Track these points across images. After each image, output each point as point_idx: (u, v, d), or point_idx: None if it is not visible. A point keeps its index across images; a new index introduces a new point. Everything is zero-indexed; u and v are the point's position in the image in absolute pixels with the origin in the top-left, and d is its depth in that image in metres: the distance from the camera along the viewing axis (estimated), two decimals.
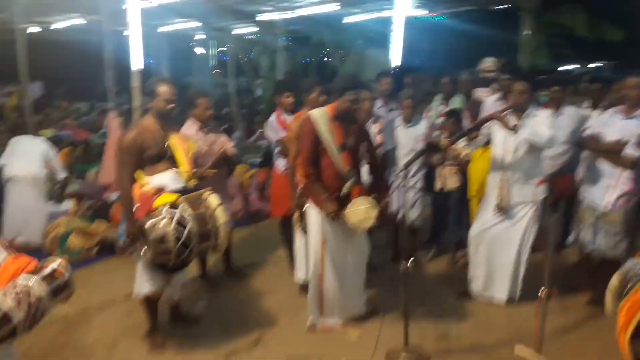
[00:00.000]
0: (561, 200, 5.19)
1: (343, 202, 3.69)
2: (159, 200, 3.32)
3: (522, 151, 3.99)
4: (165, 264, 3.36)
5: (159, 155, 3.53)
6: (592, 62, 27.39)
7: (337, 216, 3.66)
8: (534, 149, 3.96)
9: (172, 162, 3.62)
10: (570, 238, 4.43)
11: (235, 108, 13.64)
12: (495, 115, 3.92)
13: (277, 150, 4.85)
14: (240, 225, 6.44)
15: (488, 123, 4.03)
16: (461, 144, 4.62)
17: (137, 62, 6.15)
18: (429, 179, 5.18)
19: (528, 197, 4.05)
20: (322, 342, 3.81)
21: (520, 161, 4.02)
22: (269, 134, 5.03)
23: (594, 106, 5.03)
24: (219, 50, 17.70)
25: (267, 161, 7.21)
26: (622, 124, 3.94)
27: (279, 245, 5.51)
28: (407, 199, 4.95)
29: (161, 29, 13.66)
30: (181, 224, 3.20)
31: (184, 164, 3.67)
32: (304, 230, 4.04)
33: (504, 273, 4.22)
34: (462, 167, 4.99)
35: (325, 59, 17.81)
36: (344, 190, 3.70)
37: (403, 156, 4.94)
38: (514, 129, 3.89)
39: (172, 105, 3.58)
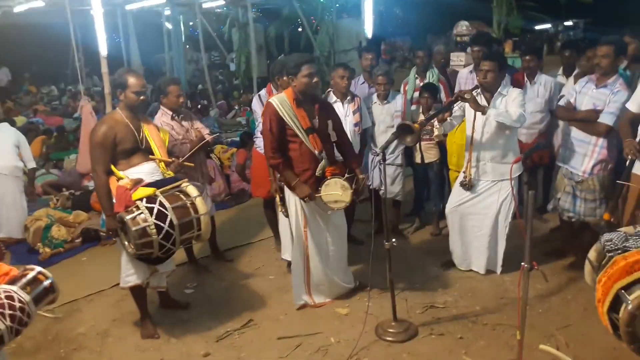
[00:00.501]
0: (540, 166, 5.33)
1: (317, 182, 3.72)
2: (137, 194, 3.29)
3: (492, 130, 4.01)
4: (148, 257, 3.36)
5: (133, 149, 3.49)
6: (565, 21, 27.67)
7: (312, 199, 3.69)
8: (505, 128, 3.97)
9: (147, 154, 3.58)
10: (550, 205, 4.52)
11: (209, 84, 13.44)
12: (463, 95, 3.91)
13: (259, 128, 4.84)
14: (223, 207, 6.45)
15: (458, 102, 4.03)
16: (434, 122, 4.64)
17: (103, 46, 6.00)
18: (409, 152, 5.23)
19: (504, 175, 4.08)
20: (312, 320, 3.88)
21: (492, 140, 4.05)
22: (255, 108, 5.00)
23: (568, 72, 5.08)
24: (189, 25, 17.33)
25: (246, 141, 7.17)
26: (595, 93, 4.00)
27: (263, 225, 5.55)
28: (387, 175, 5.01)
29: (128, 7, 13.27)
30: (161, 216, 3.20)
31: (160, 155, 3.64)
32: (286, 214, 4.07)
33: (481, 246, 4.32)
34: (440, 140, 5.04)
35: (298, 31, 17.57)
36: (318, 172, 3.73)
37: (381, 133, 4.97)
38: (483, 111, 3.90)
39: (143, 96, 3.52)
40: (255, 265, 4.88)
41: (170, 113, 4.38)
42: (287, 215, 4.07)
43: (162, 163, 3.64)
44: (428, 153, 5.14)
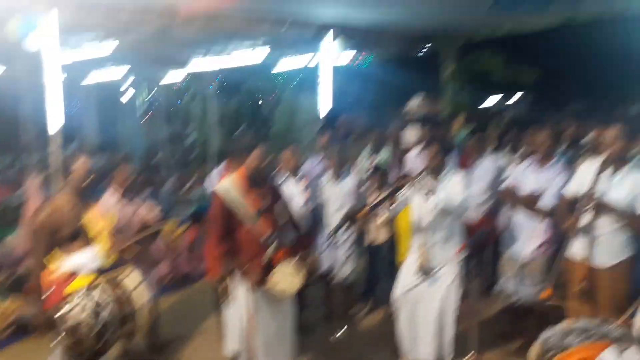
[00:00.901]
0: (486, 247, 5.36)
1: (267, 268, 3.61)
2: (74, 284, 3.15)
3: (437, 215, 4.01)
4: (82, 353, 3.13)
5: (74, 234, 3.37)
6: (511, 97, 29.31)
7: (262, 285, 3.57)
8: (449, 212, 3.98)
9: (88, 240, 3.44)
10: (496, 287, 4.50)
11: (166, 157, 13.34)
12: (409, 181, 3.94)
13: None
14: (168, 291, 6.16)
15: (404, 188, 4.04)
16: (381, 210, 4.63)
17: (53, 124, 5.88)
18: (360, 233, 5.19)
19: (449, 259, 4.04)
20: None
21: (437, 224, 4.02)
22: (209, 184, 4.91)
23: (511, 153, 5.24)
24: (147, 98, 17.40)
25: (198, 218, 7.01)
26: (536, 176, 4.11)
27: (211, 312, 5.32)
28: (338, 257, 4.94)
29: (87, 79, 13.28)
30: (98, 309, 3.04)
31: (103, 241, 3.50)
32: (231, 303, 3.90)
33: (428, 334, 4.16)
34: (390, 222, 5.04)
35: (258, 105, 17.89)
36: (267, 256, 3.63)
37: (333, 212, 4.92)
38: (427, 195, 3.91)
39: (89, 179, 3.43)
40: (199, 357, 4.61)
41: (117, 195, 4.25)
42: (231, 304, 3.90)
43: (105, 249, 3.50)
44: (378, 234, 5.12)
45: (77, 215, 3.39)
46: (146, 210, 4.41)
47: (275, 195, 3.85)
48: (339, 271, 4.96)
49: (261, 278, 3.57)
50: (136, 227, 4.22)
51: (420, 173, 4.09)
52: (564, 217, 3.66)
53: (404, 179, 3.97)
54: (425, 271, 4.04)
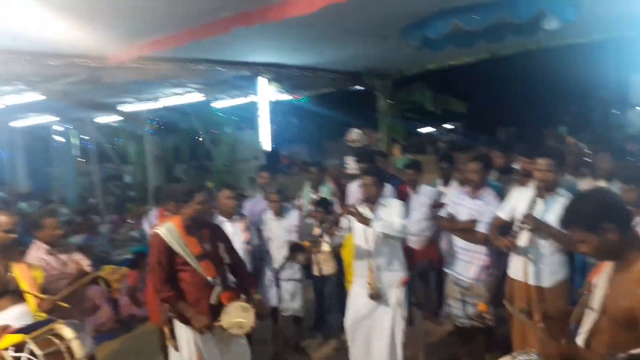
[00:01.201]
0: (431, 271, 5.53)
1: (214, 310, 3.56)
2: (3, 343, 2.92)
3: (378, 241, 4.11)
4: None
5: (0, 292, 3.19)
6: (445, 124, 30.69)
7: (210, 329, 3.52)
8: (390, 237, 4.09)
9: (16, 296, 3.26)
10: (442, 311, 4.63)
11: (101, 198, 12.92)
12: (348, 211, 4.04)
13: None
14: (110, 338, 5.91)
15: (342, 217, 4.14)
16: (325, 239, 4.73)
17: None
18: (307, 265, 5.22)
19: (392, 282, 4.16)
20: None
21: (380, 249, 4.13)
22: (145, 228, 4.79)
23: (445, 182, 5.48)
24: (82, 138, 16.91)
25: (139, 261, 6.81)
26: (471, 203, 4.32)
27: (155, 356, 5.14)
28: (286, 291, 4.95)
29: (14, 124, 12.78)
30: None
31: (31, 296, 3.35)
32: (176, 347, 3.82)
33: (382, 356, 4.25)
34: (335, 252, 5.12)
35: (197, 142, 17.74)
36: (213, 299, 3.58)
37: (277, 248, 4.95)
38: (368, 224, 4.00)
39: (12, 235, 3.34)
40: None
41: (45, 247, 4.06)
42: (177, 349, 3.81)
43: (33, 305, 3.34)
44: (325, 265, 5.17)
45: (3, 270, 3.27)
46: (78, 258, 4.24)
47: (218, 237, 3.80)
48: (287, 305, 4.97)
49: (210, 320, 3.51)
50: (70, 276, 4.04)
51: (359, 203, 4.22)
52: (495, 237, 3.85)
53: (343, 210, 4.07)
54: (374, 295, 4.13)
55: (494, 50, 7.98)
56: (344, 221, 4.25)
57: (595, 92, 17.31)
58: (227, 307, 3.53)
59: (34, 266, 3.61)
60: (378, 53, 7.22)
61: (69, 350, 3.04)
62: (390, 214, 4.11)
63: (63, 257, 4.13)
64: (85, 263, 4.23)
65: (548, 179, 3.59)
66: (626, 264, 2.08)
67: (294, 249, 3.65)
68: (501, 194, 4.50)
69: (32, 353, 2.90)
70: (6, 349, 2.90)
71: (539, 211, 3.59)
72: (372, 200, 4.17)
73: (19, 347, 2.90)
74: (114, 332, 6.12)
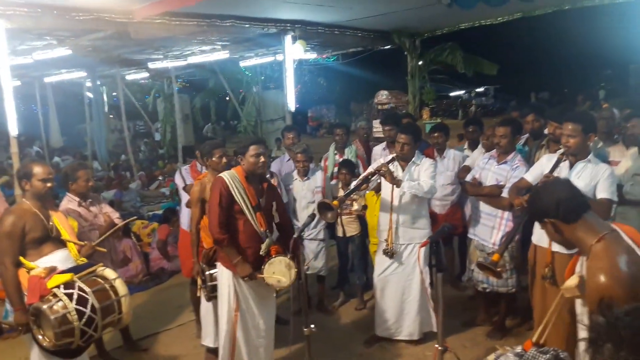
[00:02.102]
0: (455, 235, 5.53)
1: (259, 262, 3.62)
2: (52, 282, 3.16)
3: (406, 199, 4.20)
4: (68, 347, 3.15)
5: (43, 237, 3.39)
6: (477, 88, 29.98)
7: (252, 279, 3.58)
8: (417, 196, 4.16)
9: (58, 242, 3.47)
10: (465, 276, 4.65)
11: (132, 154, 13.16)
12: (378, 170, 4.08)
13: (185, 202, 4.76)
14: (140, 290, 6.14)
15: (374, 176, 4.17)
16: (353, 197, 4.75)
17: (13, 125, 5.77)
18: (331, 225, 5.28)
19: (413, 238, 4.25)
20: None
21: (405, 206, 4.23)
22: (177, 182, 4.90)
23: (472, 147, 5.40)
24: (112, 95, 17.12)
25: (169, 216, 6.99)
26: (497, 169, 4.25)
27: (183, 308, 5.33)
28: (310, 251, 5.02)
29: (47, 79, 12.97)
30: (81, 301, 3.08)
31: (71, 242, 3.52)
32: (208, 297, 3.93)
33: (411, 311, 4.35)
34: (359, 214, 5.15)
35: (224, 101, 17.77)
36: (262, 250, 3.64)
37: (302, 209, 5.00)
38: (398, 184, 4.07)
39: (49, 184, 3.44)
40: (172, 355, 4.62)
41: (77, 199, 4.21)
42: (208, 299, 3.93)
43: (74, 250, 3.52)
44: (349, 227, 5.21)
45: (44, 218, 3.41)
46: (108, 211, 4.39)
47: (273, 195, 3.87)
48: (311, 264, 5.05)
49: (252, 270, 3.57)
50: (100, 228, 4.18)
51: (392, 160, 4.22)
52: (513, 196, 3.79)
53: (378, 168, 4.08)
54: (389, 252, 4.21)
55: (527, 10, 7.67)
56: (372, 179, 4.26)
57: (633, 55, 16.58)
58: (273, 259, 3.57)
59: (69, 216, 3.78)
60: (408, 11, 7.02)
61: (113, 288, 3.25)
62: (421, 173, 4.18)
63: (94, 209, 4.28)
64: (115, 216, 4.37)
65: (572, 144, 3.50)
66: (585, 252, 2.11)
67: (322, 206, 3.68)
68: (529, 160, 4.43)
69: (81, 289, 3.12)
70: (58, 287, 3.12)
71: (564, 175, 3.52)
72: (405, 158, 4.23)
73: (69, 285, 3.14)
74: (145, 284, 6.35)
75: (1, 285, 5.66)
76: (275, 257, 3.59)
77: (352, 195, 4.52)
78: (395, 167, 4.26)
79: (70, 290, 3.10)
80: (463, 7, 5.62)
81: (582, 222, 2.10)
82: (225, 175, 3.67)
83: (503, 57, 13.52)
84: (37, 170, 3.39)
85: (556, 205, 2.12)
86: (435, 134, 5.23)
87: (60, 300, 3.05)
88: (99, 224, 4.23)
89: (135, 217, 5.72)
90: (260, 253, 3.63)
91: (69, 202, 4.21)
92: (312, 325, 3.51)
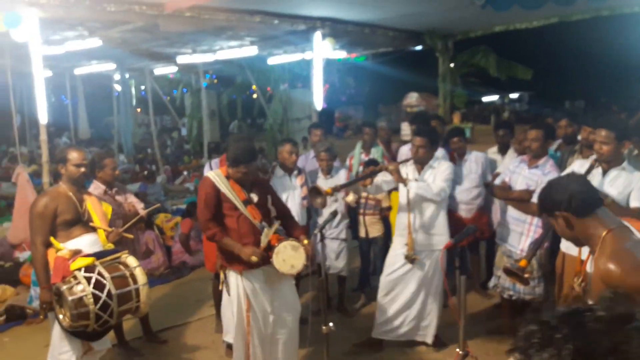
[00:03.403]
0: (481, 240, 5.39)
1: (267, 249, 3.55)
2: (75, 264, 3.24)
3: (419, 201, 4.05)
4: (84, 330, 3.20)
5: (74, 220, 3.48)
6: (511, 94, 29.51)
7: (258, 258, 3.49)
8: (427, 199, 4.01)
9: (88, 227, 3.56)
10: (491, 282, 4.52)
11: (157, 149, 13.27)
12: (383, 167, 3.98)
13: None
14: (162, 282, 6.16)
15: (380, 172, 4.04)
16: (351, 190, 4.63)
17: (43, 113, 5.83)
18: (354, 225, 5.20)
19: (431, 245, 4.10)
20: None
21: (419, 211, 4.09)
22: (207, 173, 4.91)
23: (502, 151, 5.26)
24: (140, 89, 17.33)
25: (192, 210, 6.98)
26: (528, 173, 4.12)
27: (203, 303, 5.31)
28: (331, 250, 4.95)
29: (77, 70, 13.18)
30: (99, 286, 3.14)
31: (102, 227, 3.60)
32: (228, 292, 3.89)
33: (411, 315, 4.24)
34: (383, 215, 5.05)
35: (251, 98, 17.82)
36: (263, 239, 3.58)
37: (325, 207, 4.93)
38: (404, 182, 3.95)
39: (84, 170, 3.55)
40: (191, 348, 4.60)
41: (103, 187, 4.25)
42: (230, 294, 3.90)
43: (103, 235, 3.60)
44: (372, 227, 5.12)
45: (77, 202, 3.51)
46: (134, 201, 4.41)
47: (265, 190, 3.81)
48: (332, 264, 4.98)
49: (258, 252, 3.50)
50: (125, 217, 4.20)
51: (406, 160, 4.13)
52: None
53: (384, 165, 3.98)
54: (410, 257, 4.09)
55: (564, 15, 7.46)
56: (389, 178, 4.14)
57: None
58: (277, 247, 3.51)
59: (104, 202, 3.83)
60: (441, 11, 6.89)
61: (133, 276, 3.28)
62: (436, 176, 4.04)
63: (119, 198, 4.32)
64: (140, 206, 4.41)
65: (605, 151, 3.37)
66: (594, 247, 2.06)
67: (314, 191, 3.59)
68: (561, 165, 4.29)
69: (100, 274, 3.17)
70: (79, 269, 3.18)
71: (597, 182, 3.38)
72: (420, 161, 4.11)
73: (89, 269, 3.20)
74: (166, 277, 6.35)
75: (25, 271, 5.77)
76: (278, 244, 3.52)
77: (353, 187, 4.37)
78: (411, 169, 4.14)
79: (90, 274, 3.16)
80: (497, 8, 5.46)
81: (594, 216, 2.05)
82: (211, 174, 3.67)
83: (538, 63, 13.26)
84: (73, 155, 3.50)
85: (569, 198, 2.06)
86: (455, 139, 5.12)
87: (80, 282, 3.11)
88: (123, 213, 4.25)
89: (158, 204, 5.74)
90: (261, 245, 3.56)
91: (95, 189, 4.26)
92: (331, 324, 3.44)
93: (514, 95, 30.39)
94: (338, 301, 5.26)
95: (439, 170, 4.09)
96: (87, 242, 3.47)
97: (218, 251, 3.83)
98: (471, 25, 8.53)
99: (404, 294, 4.22)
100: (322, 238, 3.56)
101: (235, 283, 3.67)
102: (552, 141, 4.33)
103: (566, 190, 2.09)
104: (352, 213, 5.15)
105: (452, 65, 9.77)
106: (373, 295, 5.39)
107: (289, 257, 3.52)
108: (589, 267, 2.20)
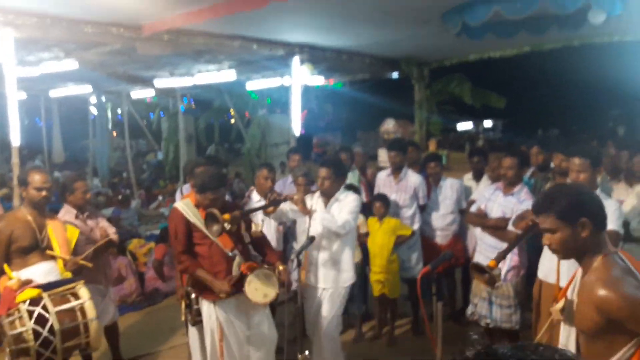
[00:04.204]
0: (457, 267, 5.39)
1: (236, 284, 3.50)
2: (21, 296, 3.09)
3: (325, 234, 3.92)
4: None
5: (31, 247, 3.35)
6: (484, 120, 30.15)
7: (229, 293, 3.46)
8: (329, 231, 3.89)
9: (46, 254, 3.42)
10: (468, 310, 4.50)
11: (133, 173, 13.08)
12: (288, 197, 3.87)
13: None
14: (134, 309, 6.00)
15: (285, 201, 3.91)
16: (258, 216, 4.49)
17: (16, 136, 5.71)
18: None
19: (335, 281, 4.00)
20: None
21: (324, 244, 3.96)
22: (178, 199, 4.86)
23: (477, 178, 5.32)
24: (116, 112, 17.17)
25: (166, 236, 6.85)
26: (503, 200, 4.14)
27: (176, 330, 5.17)
28: None
29: (52, 93, 13.00)
30: (41, 320, 2.98)
31: (59, 256, 3.45)
32: (193, 321, 3.78)
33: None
34: (361, 241, 5.02)
35: (229, 123, 17.79)
36: (234, 269, 3.54)
37: (302, 232, 4.86)
38: (308, 214, 3.87)
39: (45, 193, 3.44)
40: None
41: (74, 211, 4.13)
42: (193, 324, 3.79)
43: (61, 263, 3.47)
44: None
45: (37, 227, 3.38)
46: (105, 226, 4.30)
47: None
48: None
49: (230, 286, 3.45)
50: (95, 243, 4.09)
51: (313, 192, 4.09)
52: (519, 224, 3.65)
53: (288, 196, 3.87)
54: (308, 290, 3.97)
55: (536, 44, 7.66)
56: (284, 205, 3.99)
57: None
58: (249, 277, 3.45)
59: (69, 226, 3.70)
60: (417, 39, 7.01)
61: (82, 309, 3.12)
62: (342, 209, 3.94)
63: (91, 222, 4.21)
64: (112, 231, 4.30)
65: (583, 179, 3.41)
66: (586, 266, 2.02)
67: (210, 217, 3.45)
68: (535, 192, 4.34)
69: (44, 308, 3.00)
70: (24, 302, 3.02)
71: None
72: (326, 193, 3.99)
73: (35, 302, 3.04)
74: (138, 304, 6.20)
75: None
76: (250, 274, 3.46)
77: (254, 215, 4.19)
78: (320, 202, 4.02)
79: (33, 308, 3.00)
80: (471, 37, 5.57)
81: (603, 234, 2.03)
82: (179, 204, 3.62)
83: (512, 92, 13.62)
84: (34, 177, 3.39)
85: (599, 208, 2.02)
86: (432, 164, 5.17)
87: (21, 316, 2.96)
88: (94, 238, 4.14)
89: (131, 239, 5.61)
90: (233, 274, 3.52)
91: (66, 213, 4.14)
92: (307, 352, 3.36)
93: (488, 124, 31.08)
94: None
95: (345, 202, 3.97)
96: (42, 271, 3.33)
97: (190, 280, 3.74)
98: (446, 53, 8.68)
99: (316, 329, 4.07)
100: (299, 264, 3.51)
101: (208, 312, 3.60)
102: (526, 168, 4.38)
103: (596, 201, 2.05)
104: None
105: (427, 92, 9.90)
106: (350, 323, 5.33)
107: (262, 286, 3.47)
108: (570, 294, 2.17)
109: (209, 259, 3.55)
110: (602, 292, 1.85)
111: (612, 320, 1.85)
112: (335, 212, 3.93)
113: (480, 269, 3.03)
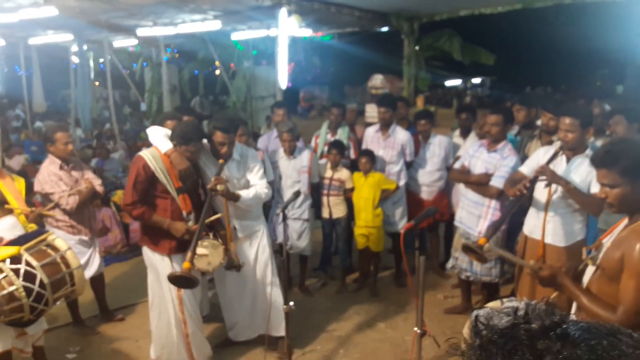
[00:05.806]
0: (441, 222, 5.49)
1: (184, 246, 3.50)
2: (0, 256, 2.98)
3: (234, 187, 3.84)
4: (20, 320, 3.02)
5: None
6: (473, 78, 29.96)
7: (189, 234, 3.46)
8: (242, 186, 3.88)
9: (4, 209, 3.32)
10: (449, 263, 4.61)
11: (116, 124, 12.88)
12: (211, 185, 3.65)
13: None
14: (120, 260, 6.04)
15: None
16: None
17: None
18: (317, 206, 5.19)
19: (252, 227, 4.02)
20: None
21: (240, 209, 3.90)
22: None
23: (464, 134, 5.33)
24: (98, 61, 16.73)
25: None
26: (486, 157, 4.18)
27: None
28: (293, 230, 4.93)
29: (32, 40, 12.59)
30: (29, 277, 2.92)
31: (19, 208, 3.37)
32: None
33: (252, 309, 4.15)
34: (347, 195, 5.06)
35: (214, 75, 17.45)
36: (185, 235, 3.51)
37: (287, 187, 4.90)
38: (235, 198, 3.73)
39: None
40: (148, 326, 4.52)
41: (59, 162, 4.07)
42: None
43: (22, 216, 3.38)
44: (336, 208, 5.12)
45: None
46: (90, 177, 4.25)
47: (197, 172, 3.70)
48: (293, 244, 4.97)
49: (187, 226, 3.47)
50: (78, 195, 4.05)
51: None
52: (509, 187, 3.66)
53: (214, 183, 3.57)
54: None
55: (528, 1, 7.57)
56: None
57: (631, 56, 16.50)
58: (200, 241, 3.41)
59: (16, 177, 3.60)
60: None
61: (64, 259, 3.09)
62: (251, 176, 3.89)
63: (75, 174, 4.15)
64: (97, 182, 4.25)
65: (569, 139, 3.42)
66: (633, 221, 2.04)
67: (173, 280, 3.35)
68: (519, 149, 4.37)
69: (28, 264, 2.95)
70: (3, 260, 2.95)
71: (561, 169, 3.45)
72: (226, 158, 3.75)
73: (16, 260, 2.95)
74: (124, 255, 6.23)
75: None
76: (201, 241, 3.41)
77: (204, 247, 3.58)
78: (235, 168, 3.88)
79: (17, 266, 2.93)
80: None
81: None
82: (145, 153, 3.51)
83: (501, 49, 13.45)
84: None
85: None
86: (422, 122, 5.17)
87: (7, 275, 2.88)
88: (79, 189, 4.09)
89: (113, 187, 5.55)
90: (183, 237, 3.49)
91: (51, 163, 4.08)
92: (292, 303, 3.44)
93: (476, 80, 30.91)
94: (299, 280, 5.27)
95: (253, 171, 3.91)
96: (6, 226, 3.26)
97: (142, 231, 3.69)
98: (437, 7, 8.55)
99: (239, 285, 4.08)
100: (285, 218, 3.53)
101: (162, 265, 3.58)
102: (511, 125, 4.39)
103: None
104: (315, 194, 5.14)
105: (417, 47, 9.79)
106: (333, 275, 5.44)
107: (205, 255, 3.43)
108: (607, 240, 2.16)
109: (166, 212, 3.50)
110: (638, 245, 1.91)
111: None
112: (235, 173, 3.85)
113: (471, 249, 3.09)
